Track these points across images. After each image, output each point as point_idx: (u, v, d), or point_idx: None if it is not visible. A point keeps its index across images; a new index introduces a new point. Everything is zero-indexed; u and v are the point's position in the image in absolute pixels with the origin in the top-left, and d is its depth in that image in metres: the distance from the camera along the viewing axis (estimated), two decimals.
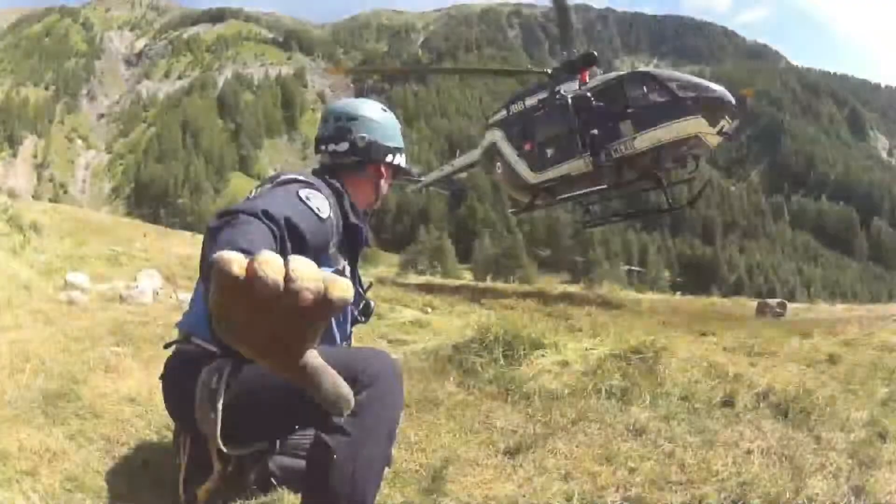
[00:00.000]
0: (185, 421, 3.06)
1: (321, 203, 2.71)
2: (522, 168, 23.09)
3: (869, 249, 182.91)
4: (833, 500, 3.50)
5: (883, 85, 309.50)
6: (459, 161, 29.04)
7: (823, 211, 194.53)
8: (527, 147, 22.90)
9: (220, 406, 2.76)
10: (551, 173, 22.15)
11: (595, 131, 20.35)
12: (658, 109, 19.49)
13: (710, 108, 18.93)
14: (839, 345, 7.63)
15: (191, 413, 2.85)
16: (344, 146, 3.38)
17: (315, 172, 3.33)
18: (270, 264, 1.16)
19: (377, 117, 3.48)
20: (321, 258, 2.83)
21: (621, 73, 22.94)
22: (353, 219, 3.12)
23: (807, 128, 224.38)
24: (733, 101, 19.46)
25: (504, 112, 24.54)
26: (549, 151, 22.00)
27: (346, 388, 1.41)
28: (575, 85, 22.25)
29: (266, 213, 2.27)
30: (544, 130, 22.35)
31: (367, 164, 3.42)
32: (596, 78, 22.62)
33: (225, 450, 2.83)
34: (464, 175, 31.63)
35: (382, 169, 3.50)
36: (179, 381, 2.98)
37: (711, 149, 20.96)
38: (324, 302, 1.20)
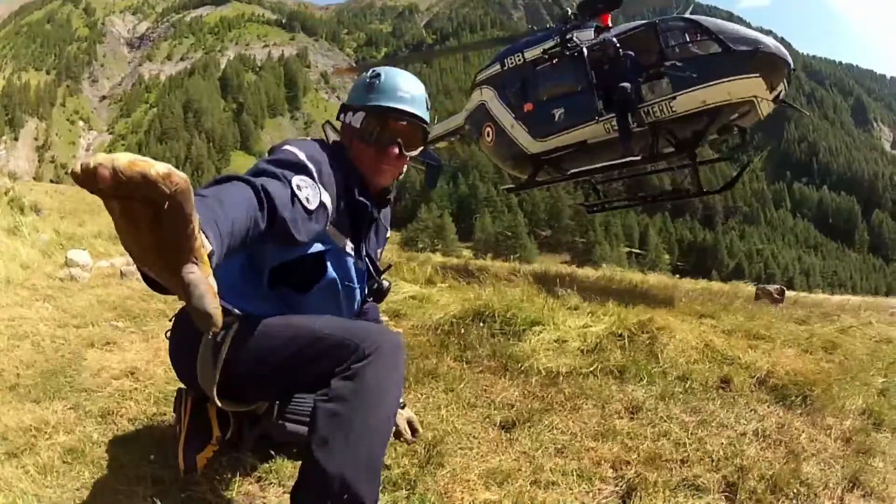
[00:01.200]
0: (186, 375, 3.08)
1: (311, 193, 2.62)
2: (521, 134, 17.56)
3: (869, 241, 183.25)
4: (827, 486, 3.54)
5: (888, 76, 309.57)
6: (439, 127, 21.84)
7: (825, 200, 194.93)
8: (527, 108, 17.38)
9: (220, 361, 2.77)
10: (559, 140, 16.75)
11: (626, 85, 14.96)
12: (705, 64, 14.66)
13: (768, 66, 14.28)
14: (836, 333, 7.62)
15: (193, 367, 2.87)
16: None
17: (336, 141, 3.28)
18: (91, 157, 1.39)
19: (359, 77, 3.36)
20: (317, 237, 2.85)
21: (653, 20, 16.61)
22: (347, 195, 3.00)
23: (811, 116, 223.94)
24: (791, 63, 14.89)
25: (497, 66, 18.53)
26: (557, 113, 16.57)
27: (212, 307, 1.56)
28: (590, 34, 17.00)
29: (265, 190, 2.29)
30: (551, 87, 17.03)
31: (342, 124, 3.31)
32: (619, 26, 17.12)
33: (220, 404, 2.85)
34: (442, 144, 23.15)
35: (345, 131, 3.29)
36: (186, 334, 2.97)
37: (761, 118, 15.76)
38: (125, 179, 1.39)
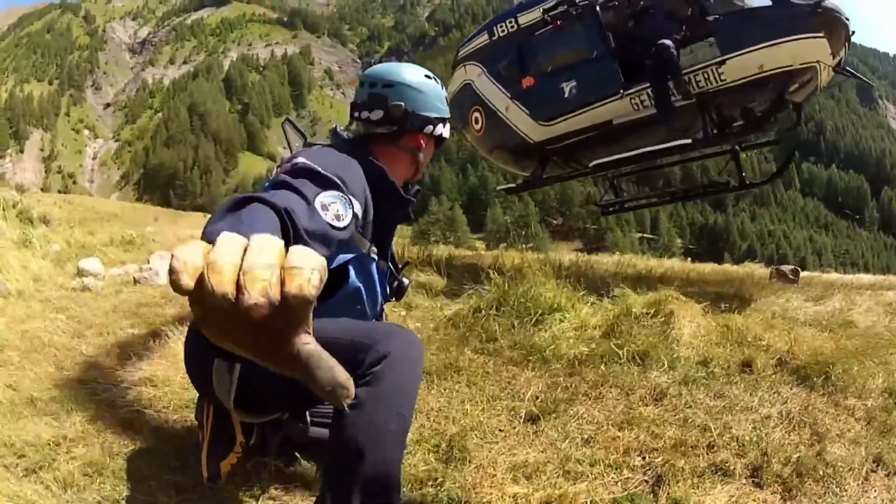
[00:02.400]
0: (202, 385, 3.04)
1: (341, 208, 2.49)
2: (519, 118, 13.48)
3: (879, 219, 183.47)
4: (853, 468, 3.55)
5: (891, 54, 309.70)
6: None
7: (834, 179, 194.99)
8: (526, 84, 13.40)
9: (236, 371, 2.74)
10: (572, 123, 12.78)
11: (667, 43, 11.15)
12: (759, 19, 11.08)
13: (832, 25, 10.85)
14: (852, 310, 7.61)
15: (209, 379, 2.84)
16: (378, 115, 3.18)
17: (349, 143, 3.21)
18: (219, 272, 1.13)
19: (416, 84, 3.26)
20: (343, 248, 2.77)
21: None
22: (381, 202, 2.96)
23: (816, 95, 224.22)
24: (850, 25, 11.38)
25: (484, 36, 14.40)
26: (568, 87, 12.65)
27: (343, 376, 1.31)
28: None
29: (289, 215, 2.12)
30: (557, 55, 13.07)
31: (404, 134, 3.23)
32: None
33: (236, 415, 2.85)
34: None
35: (421, 140, 3.28)
36: (201, 343, 2.90)
37: (818, 91, 12.41)
38: (283, 306, 1.15)
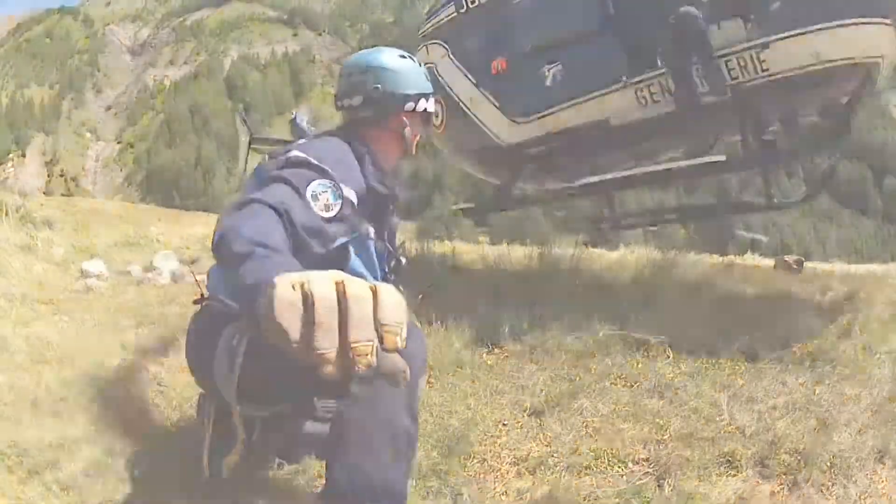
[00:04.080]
0: (203, 378, 3.06)
1: (330, 197, 2.58)
2: (487, 111, 9.70)
3: (883, 208, 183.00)
4: (859, 458, 3.54)
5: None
6: None
7: (836, 168, 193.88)
8: (497, 68, 9.57)
9: (238, 363, 2.72)
10: (556, 121, 8.97)
11: (691, 11, 7.37)
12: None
13: None
14: (857, 299, 7.57)
15: (209, 369, 2.85)
16: (358, 100, 3.25)
17: (338, 130, 3.27)
18: (327, 351, 1.39)
19: (391, 65, 3.31)
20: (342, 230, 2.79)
21: None
22: (374, 183, 3.01)
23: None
24: None
25: (451, 8, 10.37)
26: (551, 72, 8.94)
27: (402, 363, 1.50)
28: None
29: (288, 215, 2.26)
30: (539, 30, 9.16)
31: (387, 115, 3.27)
32: None
33: (238, 408, 2.84)
34: None
35: (404, 117, 3.30)
36: (202, 336, 2.97)
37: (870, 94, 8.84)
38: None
